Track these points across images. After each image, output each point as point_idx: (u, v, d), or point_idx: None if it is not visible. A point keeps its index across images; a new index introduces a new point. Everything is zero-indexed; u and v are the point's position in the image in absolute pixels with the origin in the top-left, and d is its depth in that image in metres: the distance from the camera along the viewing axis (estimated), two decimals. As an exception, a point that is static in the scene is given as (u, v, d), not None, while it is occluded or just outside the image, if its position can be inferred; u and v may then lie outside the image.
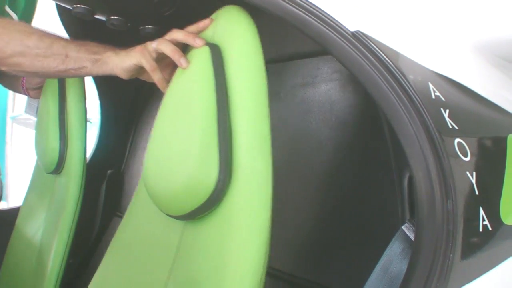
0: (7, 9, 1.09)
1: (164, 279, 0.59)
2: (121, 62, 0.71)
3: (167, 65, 0.71)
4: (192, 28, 0.67)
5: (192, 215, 0.55)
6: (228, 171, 0.52)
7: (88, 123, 1.04)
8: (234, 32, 0.57)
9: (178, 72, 0.65)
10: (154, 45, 0.68)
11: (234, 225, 0.51)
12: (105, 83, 1.47)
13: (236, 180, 0.52)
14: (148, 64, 0.69)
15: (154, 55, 0.69)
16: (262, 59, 0.56)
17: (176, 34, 0.66)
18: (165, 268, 0.59)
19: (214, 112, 0.53)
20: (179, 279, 0.57)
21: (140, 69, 0.71)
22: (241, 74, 0.55)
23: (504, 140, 0.67)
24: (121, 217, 1.13)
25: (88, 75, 0.76)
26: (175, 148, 0.58)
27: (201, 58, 0.59)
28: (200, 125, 0.54)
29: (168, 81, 0.69)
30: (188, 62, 0.63)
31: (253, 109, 0.53)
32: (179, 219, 0.59)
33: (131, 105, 1.60)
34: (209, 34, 0.63)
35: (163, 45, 0.67)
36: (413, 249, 0.56)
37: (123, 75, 0.72)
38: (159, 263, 0.61)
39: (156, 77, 0.70)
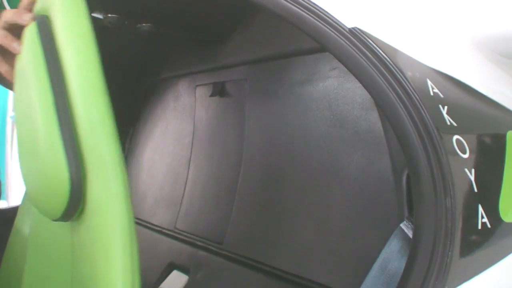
0: (4, 0, 1.08)
1: (69, 284, 0.55)
2: None
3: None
4: (24, 2, 0.58)
5: (67, 216, 0.49)
6: (79, 162, 0.46)
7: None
8: None
9: (18, 58, 0.57)
10: None
11: (96, 223, 0.46)
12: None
13: (89, 171, 0.47)
14: None
15: None
16: (88, 24, 0.48)
17: (5, 15, 0.58)
18: (67, 273, 0.55)
19: (50, 97, 0.47)
20: (78, 284, 0.52)
21: None
22: (68, 46, 0.48)
23: (503, 137, 0.67)
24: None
25: None
26: (28, 147, 0.52)
27: (29, 37, 0.51)
28: (39, 116, 0.48)
29: None
30: (20, 44, 0.55)
31: (86, 85, 0.47)
32: (61, 221, 0.53)
33: (129, 104, 1.60)
34: (40, 4, 0.55)
35: None
36: (411, 247, 0.56)
37: None
38: (61, 268, 0.57)
39: (2, 69, 0.63)
